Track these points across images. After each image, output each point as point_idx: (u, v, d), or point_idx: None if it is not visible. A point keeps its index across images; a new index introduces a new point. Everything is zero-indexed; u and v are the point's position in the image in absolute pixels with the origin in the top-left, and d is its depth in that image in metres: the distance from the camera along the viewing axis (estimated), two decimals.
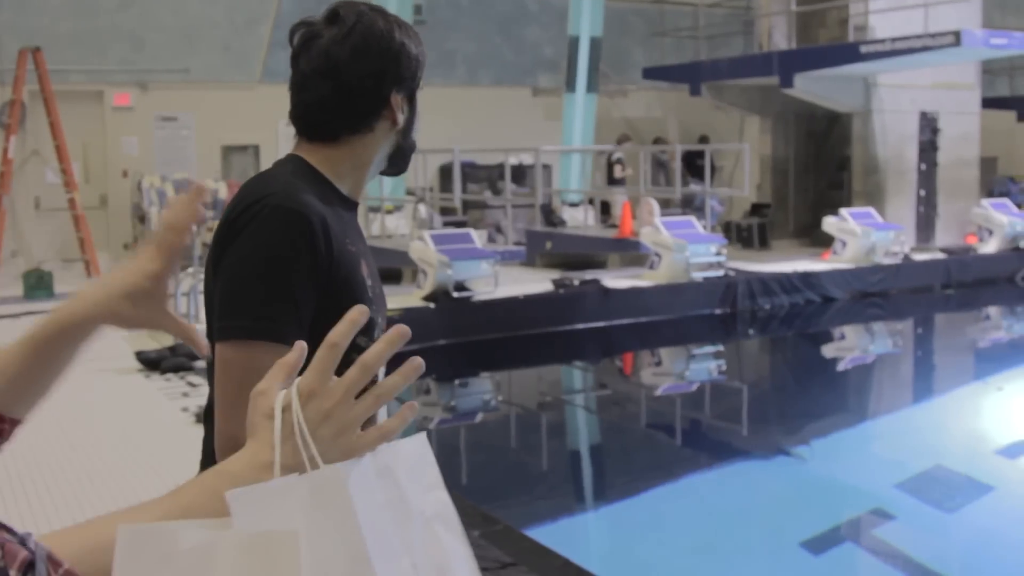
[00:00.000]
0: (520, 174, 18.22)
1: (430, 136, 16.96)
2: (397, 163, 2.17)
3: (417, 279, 12.27)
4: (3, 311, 13.09)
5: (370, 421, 1.13)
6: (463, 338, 11.49)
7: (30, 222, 17.25)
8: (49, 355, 1.41)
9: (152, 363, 9.45)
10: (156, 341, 9.96)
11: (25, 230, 17.13)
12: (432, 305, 11.61)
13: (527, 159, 18.18)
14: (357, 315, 1.14)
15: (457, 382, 11.06)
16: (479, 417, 10.06)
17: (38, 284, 14.35)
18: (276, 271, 1.93)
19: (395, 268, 13.45)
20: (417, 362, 1.13)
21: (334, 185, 2.09)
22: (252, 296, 1.92)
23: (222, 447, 1.93)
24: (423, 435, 1.22)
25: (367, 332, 2.01)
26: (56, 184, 16.84)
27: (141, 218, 17.13)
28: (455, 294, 11.82)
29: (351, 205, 2.13)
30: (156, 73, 18.01)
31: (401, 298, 11.68)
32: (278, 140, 18.03)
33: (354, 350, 1.96)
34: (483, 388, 11.31)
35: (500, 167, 16.86)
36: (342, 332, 1.13)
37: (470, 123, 19.13)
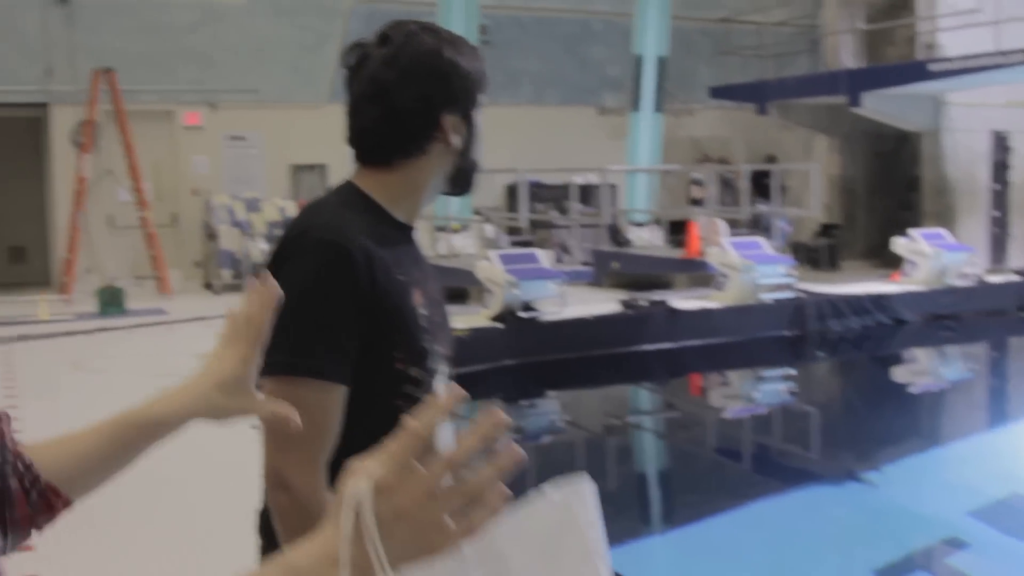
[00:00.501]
0: (586, 194, 18.21)
1: (496, 156, 17.00)
2: (460, 184, 2.12)
3: (484, 299, 12.28)
4: (78, 327, 13.29)
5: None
6: (530, 358, 11.48)
7: (104, 239, 17.50)
8: (127, 446, 1.38)
9: None
10: None
11: (99, 247, 17.38)
12: (499, 325, 11.61)
13: (593, 179, 18.17)
14: (446, 401, 1.02)
15: (524, 403, 11.05)
16: (545, 438, 10.04)
17: (111, 300, 14.57)
18: (315, 305, 1.91)
19: (461, 288, 13.48)
20: (518, 455, 0.99)
21: (387, 212, 2.05)
22: (291, 330, 1.87)
23: (266, 479, 1.94)
24: (565, 494, 1.05)
25: (420, 362, 1.99)
26: (129, 202, 17.11)
27: (210, 236, 17.34)
28: (522, 314, 11.82)
29: (406, 231, 2.09)
30: (226, 93, 18.23)
31: (468, 318, 11.69)
32: (346, 160, 18.13)
33: (406, 381, 1.97)
34: (550, 409, 11.28)
35: (566, 187, 16.86)
36: (427, 422, 1.01)
37: (536, 143, 19.16)
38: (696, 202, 17.99)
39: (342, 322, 1.92)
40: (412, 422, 1.00)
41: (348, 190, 2.09)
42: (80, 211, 16.74)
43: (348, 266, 1.91)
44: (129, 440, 1.37)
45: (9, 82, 16.92)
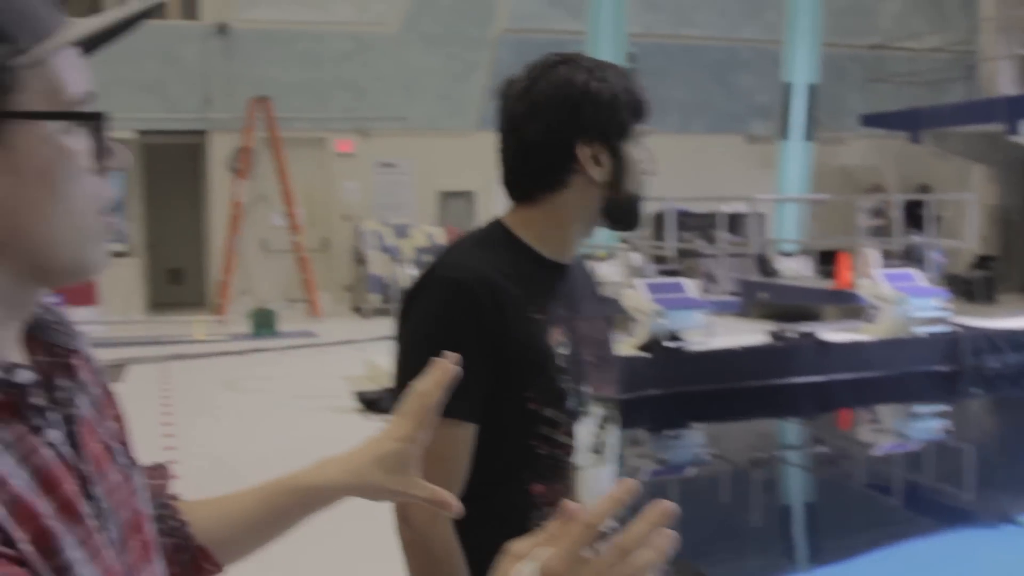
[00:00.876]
0: (734, 223, 18.03)
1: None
2: (620, 218, 2.05)
3: (630, 328, 12.24)
4: (232, 347, 13.65)
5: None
6: (675, 388, 11.39)
7: (257, 263, 17.97)
8: (281, 512, 1.35)
9: (371, 403, 9.66)
10: (375, 382, 10.19)
11: (252, 270, 17.86)
12: (645, 354, 11.55)
13: (741, 208, 17.99)
14: (620, 493, 1.00)
15: (669, 433, 10.96)
16: (690, 470, 9.94)
17: (264, 322, 14.94)
18: (438, 342, 1.82)
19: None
20: (672, 538, 0.98)
21: (532, 249, 2.01)
22: (415, 368, 1.76)
23: (395, 512, 1.95)
24: None
25: (555, 403, 1.95)
26: (282, 227, 17.55)
27: (360, 261, 17.66)
28: (668, 344, 11.74)
29: (554, 267, 2.03)
30: (376, 121, 18.58)
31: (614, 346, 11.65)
32: (494, 187, 18.32)
33: (541, 421, 1.95)
34: (695, 440, 11.17)
35: (713, 215, 16.72)
36: (601, 512, 0.99)
37: (683, 171, 19.02)
38: (871, 231, 17.56)
39: (470, 360, 1.91)
40: (588, 515, 0.97)
41: (492, 227, 2.08)
42: (235, 235, 17.22)
43: (470, 303, 1.91)
44: (284, 507, 1.35)
45: (171, 110, 17.54)
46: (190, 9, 18.46)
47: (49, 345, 1.04)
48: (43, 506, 0.93)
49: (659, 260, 15.78)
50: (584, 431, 2.00)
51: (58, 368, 1.04)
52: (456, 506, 1.30)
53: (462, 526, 1.99)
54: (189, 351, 13.21)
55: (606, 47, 15.76)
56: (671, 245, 14.81)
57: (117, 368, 11.61)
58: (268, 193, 17.78)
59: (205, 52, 17.81)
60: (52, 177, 0.96)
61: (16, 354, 1.00)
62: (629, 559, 0.96)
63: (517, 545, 0.99)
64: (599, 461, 2.05)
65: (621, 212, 2.05)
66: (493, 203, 18.75)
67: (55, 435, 0.99)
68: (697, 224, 18.30)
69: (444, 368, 1.28)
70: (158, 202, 18.75)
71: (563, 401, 1.95)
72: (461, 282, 1.92)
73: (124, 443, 1.15)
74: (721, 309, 13.13)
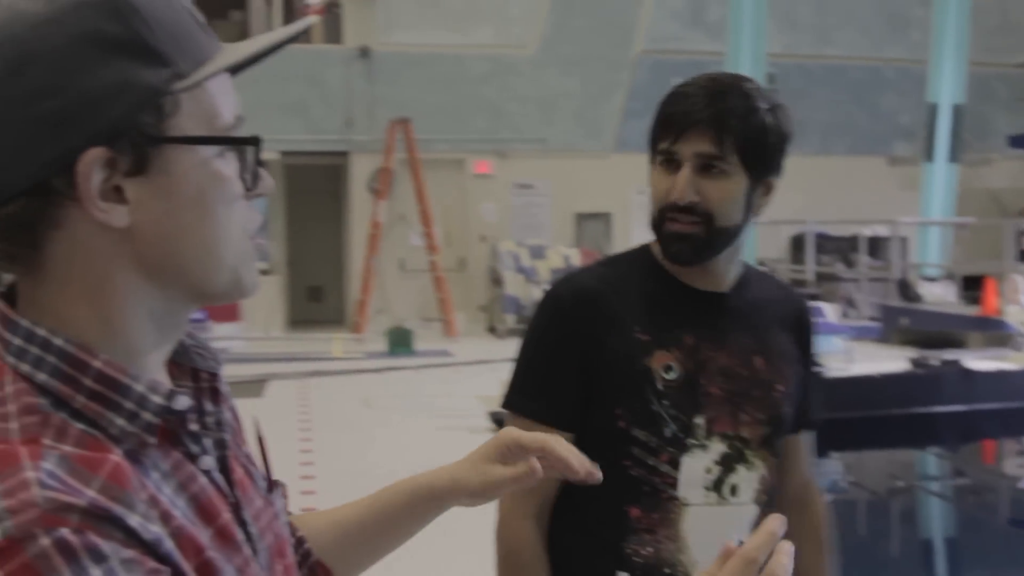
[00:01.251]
0: (874, 246, 17.67)
1: (781, 206, 16.77)
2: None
3: None
4: (369, 365, 13.86)
5: None
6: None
7: (395, 282, 18.23)
8: (393, 517, 1.35)
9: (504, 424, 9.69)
10: None
11: (390, 289, 18.11)
12: None
13: (882, 231, 17.63)
14: (774, 527, 1.03)
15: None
16: (828, 498, 9.75)
17: (400, 341, 15.13)
18: (533, 349, 2.03)
19: None
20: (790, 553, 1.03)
21: (669, 273, 2.03)
22: (515, 370, 2.04)
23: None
24: None
25: (648, 426, 1.94)
26: (419, 247, 17.77)
27: (496, 281, 17.77)
28: None
29: (696, 295, 2.02)
30: (514, 142, 18.71)
31: None
32: (630, 208, 18.30)
33: (633, 443, 1.94)
34: (832, 469, 10.95)
35: (853, 239, 16.42)
36: (759, 546, 1.02)
37: (822, 193, 18.77)
38: (1020, 256, 16.99)
39: (556, 367, 1.99)
40: (747, 549, 1.00)
41: (636, 250, 2.12)
42: (374, 254, 17.50)
43: (561, 313, 1.99)
44: (395, 510, 1.35)
45: (314, 132, 17.92)
46: (334, 33, 18.85)
47: (194, 371, 1.06)
48: (203, 536, 0.94)
49: (796, 283, 15.54)
50: (694, 464, 1.96)
51: (205, 393, 1.05)
52: (595, 473, 1.27)
53: (556, 536, 2.03)
54: (327, 368, 13.44)
55: (745, 67, 15.61)
56: (810, 268, 14.57)
57: (258, 384, 11.88)
58: (406, 213, 18.03)
59: (348, 75, 18.17)
60: (206, 201, 0.98)
61: (166, 379, 1.02)
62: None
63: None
64: (716, 500, 1.98)
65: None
66: (630, 225, 18.72)
67: (208, 461, 1.01)
68: (837, 247, 17.99)
69: (557, 447, 1.26)
70: (299, 221, 19.16)
71: (659, 426, 1.94)
72: (558, 294, 2.02)
73: (258, 465, 1.17)
74: (861, 335, 12.86)
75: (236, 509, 1.03)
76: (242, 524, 1.03)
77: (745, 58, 15.73)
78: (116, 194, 0.93)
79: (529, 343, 2.05)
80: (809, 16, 19.91)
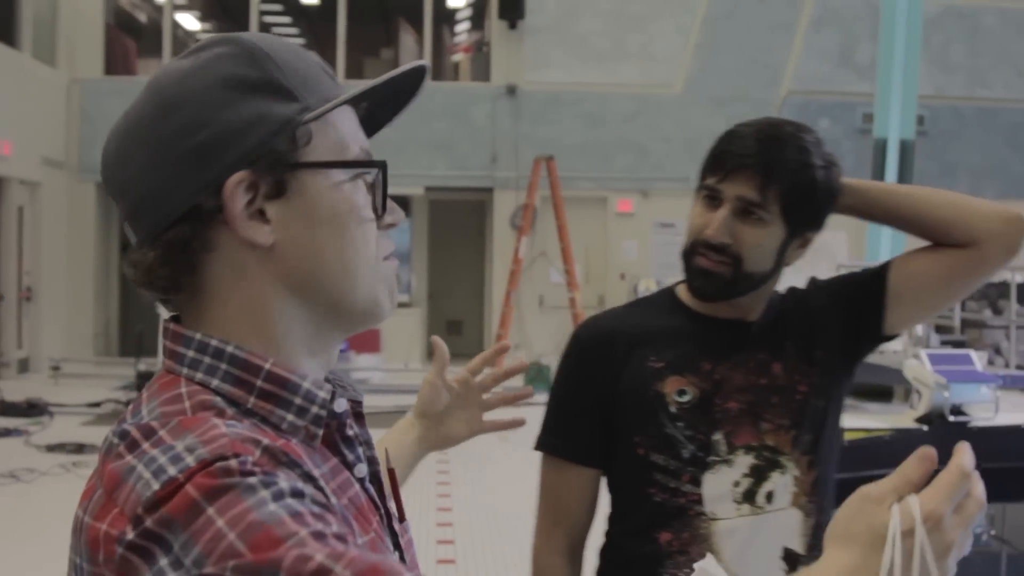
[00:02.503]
0: None
1: None
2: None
3: (911, 399, 11.83)
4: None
5: None
6: None
7: (533, 318, 18.34)
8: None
9: None
10: None
11: (528, 325, 18.23)
12: (925, 428, 11.15)
13: None
14: (925, 453, 1.04)
15: None
16: (969, 551, 9.50)
17: (537, 376, 15.20)
18: (556, 390, 2.14)
19: (886, 386, 13.05)
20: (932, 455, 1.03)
21: (690, 308, 2.08)
22: (546, 412, 2.14)
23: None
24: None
25: (665, 450, 1.97)
26: (559, 284, 17.84)
27: None
28: (951, 418, 11.29)
29: (717, 324, 2.06)
30: (657, 181, 18.71)
31: (893, 417, 11.32)
32: None
33: (653, 468, 1.98)
34: (976, 521, 10.66)
35: (1002, 284, 15.97)
36: (967, 461, 1.02)
37: None
38: None
39: (578, 406, 2.08)
40: (963, 463, 1.01)
41: (661, 291, 2.20)
42: (514, 290, 17.63)
43: (579, 353, 2.10)
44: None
45: (459, 168, 18.20)
46: (482, 71, 19.16)
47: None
48: (358, 535, 1.02)
49: (942, 330, 15.19)
50: (718, 480, 1.98)
51: (353, 417, 1.14)
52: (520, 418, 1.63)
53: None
54: None
55: (895, 109, 15.39)
56: (957, 314, 14.23)
57: (397, 415, 12.00)
58: (547, 250, 18.15)
59: (494, 112, 18.43)
60: (340, 222, 1.10)
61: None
62: (970, 495, 1.02)
63: (869, 489, 1.01)
64: (751, 511, 1.99)
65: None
66: None
67: (363, 469, 1.11)
68: (984, 293, 17.51)
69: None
70: (442, 255, 19.43)
71: (675, 448, 1.98)
72: (578, 336, 2.13)
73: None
74: (1008, 384, 12.51)
75: (387, 519, 1.13)
76: (393, 535, 1.13)
77: (895, 99, 15.49)
78: (260, 216, 1.06)
79: (556, 385, 2.15)
80: (962, 57, 19.52)
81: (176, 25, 19.57)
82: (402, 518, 1.24)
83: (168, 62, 1.12)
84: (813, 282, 2.21)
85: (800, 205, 1.95)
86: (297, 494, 0.91)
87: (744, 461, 1.99)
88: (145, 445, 0.96)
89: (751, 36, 18.93)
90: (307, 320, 1.10)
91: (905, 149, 15.48)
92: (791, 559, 1.95)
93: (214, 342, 1.05)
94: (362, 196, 1.12)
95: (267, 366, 1.05)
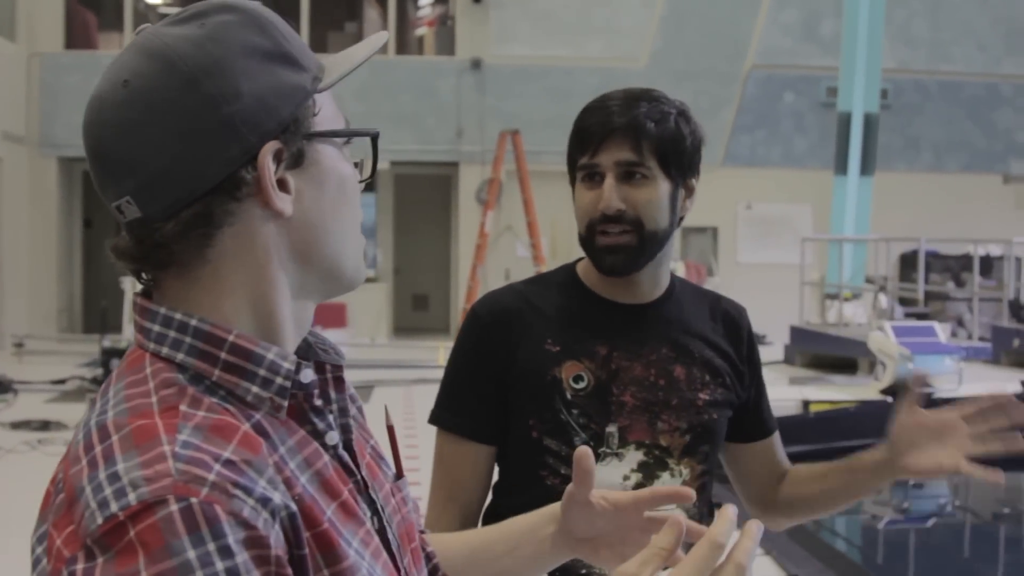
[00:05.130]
0: (987, 265, 17.34)
1: (891, 223, 16.60)
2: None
3: (875, 371, 11.95)
4: None
5: None
6: None
7: None
8: (518, 546, 1.42)
9: None
10: None
11: None
12: (890, 399, 11.26)
13: (995, 250, 17.29)
14: (731, 513, 1.01)
15: (911, 482, 10.63)
16: (932, 521, 9.62)
17: None
18: (451, 365, 2.09)
19: (851, 358, 13.16)
20: (755, 528, 0.99)
21: (589, 289, 2.07)
22: (441, 387, 2.09)
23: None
24: None
25: (559, 435, 1.96)
26: (526, 257, 17.88)
27: None
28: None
29: (614, 307, 2.04)
30: None
31: (857, 389, 11.41)
32: (737, 223, 18.22)
33: (546, 452, 1.98)
34: (939, 491, 10.79)
35: (964, 257, 16.15)
36: (723, 531, 1.00)
37: (933, 211, 18.49)
38: None
39: (475, 383, 2.04)
40: (715, 535, 0.99)
41: (560, 269, 2.18)
42: (480, 264, 17.65)
43: (478, 329, 2.05)
44: (521, 536, 1.42)
45: (425, 142, 18.16)
46: (447, 45, 19.09)
47: (319, 364, 1.14)
48: (325, 509, 1.03)
49: (905, 302, 15.34)
50: (608, 472, 1.96)
51: (329, 383, 1.14)
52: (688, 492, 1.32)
53: None
54: (431, 376, 13.57)
55: (859, 82, 15.47)
56: (921, 287, 14.37)
57: (365, 389, 12.06)
58: (513, 224, 18.17)
59: (459, 86, 18.39)
60: (345, 190, 1.13)
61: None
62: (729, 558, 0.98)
63: (626, 567, 1.01)
64: None
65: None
66: (736, 239, 18.64)
67: (334, 436, 1.11)
68: (947, 266, 17.69)
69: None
70: (407, 230, 19.41)
71: (568, 435, 1.96)
72: (476, 313, 2.07)
73: (384, 457, 1.25)
74: (970, 355, 12.65)
75: (363, 486, 1.12)
76: (370, 501, 1.12)
77: (859, 73, 15.56)
78: (282, 186, 1.06)
79: (452, 361, 2.10)
80: (925, 31, 19.63)
81: None
82: (399, 475, 1.24)
83: (161, 27, 1.08)
84: (748, 323, 2.20)
85: (673, 153, 1.99)
86: (231, 573, 0.90)
87: (634, 457, 1.99)
88: (97, 451, 0.96)
89: (716, 10, 18.95)
90: (299, 286, 1.10)
91: (869, 122, 15.57)
92: None
93: (178, 315, 1.05)
94: (350, 166, 1.15)
95: (231, 338, 1.04)
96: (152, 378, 1.02)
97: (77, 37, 18.69)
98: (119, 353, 10.90)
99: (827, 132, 17.33)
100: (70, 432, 9.81)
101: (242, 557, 0.91)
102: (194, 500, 0.91)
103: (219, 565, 0.89)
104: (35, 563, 0.97)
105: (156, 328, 1.05)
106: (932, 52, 19.67)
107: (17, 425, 10.06)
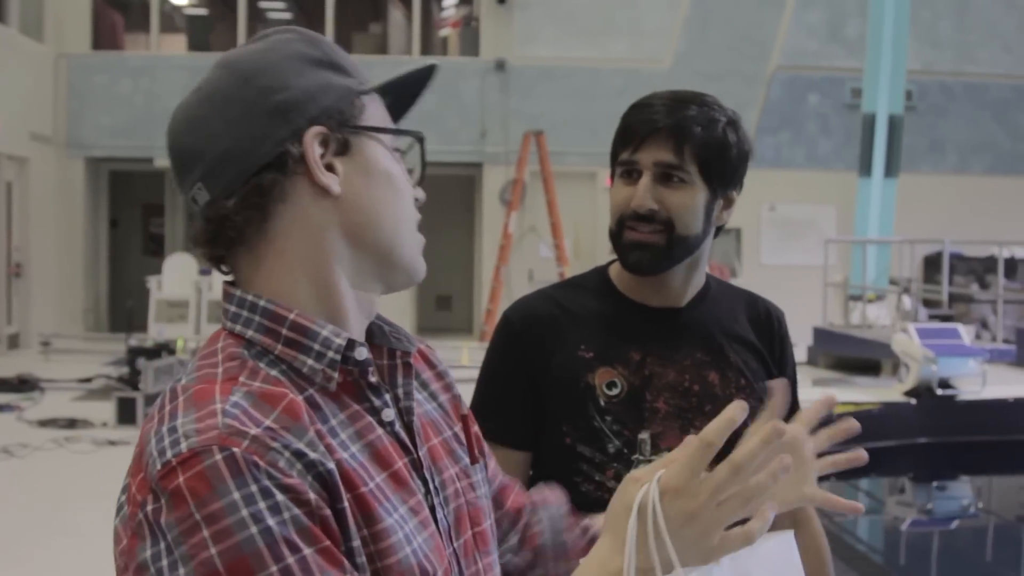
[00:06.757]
0: (1012, 267, 17.26)
1: (915, 225, 16.54)
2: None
3: (899, 373, 11.91)
4: None
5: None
6: (944, 438, 10.99)
7: (523, 292, 18.16)
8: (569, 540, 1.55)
9: None
10: None
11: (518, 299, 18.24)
12: (913, 401, 11.23)
13: (1020, 252, 17.21)
14: (733, 413, 1.09)
15: (935, 484, 10.61)
16: (955, 523, 9.59)
17: None
18: (485, 371, 2.09)
19: (874, 360, 13.13)
20: (786, 461, 1.05)
21: (621, 293, 2.06)
22: (475, 392, 2.07)
23: None
24: (790, 535, 1.14)
25: (592, 442, 1.97)
26: (549, 258, 17.89)
27: None
28: (939, 391, 11.36)
29: (648, 312, 2.04)
30: None
31: (881, 391, 11.38)
32: (760, 224, 18.18)
33: (580, 459, 1.97)
34: (962, 493, 10.77)
35: (989, 259, 16.06)
36: (716, 430, 1.08)
37: (958, 213, 18.41)
38: None
39: (508, 389, 2.04)
40: (705, 432, 1.07)
41: (591, 272, 2.17)
42: (503, 265, 17.67)
43: (511, 336, 2.06)
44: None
45: (448, 142, 18.18)
46: (471, 46, 19.12)
47: (390, 351, 1.29)
48: (373, 477, 1.14)
49: (929, 304, 15.27)
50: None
51: (398, 368, 1.28)
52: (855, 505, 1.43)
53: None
54: (456, 375, 13.57)
55: (884, 85, 15.41)
56: (945, 289, 14.31)
57: None
58: (537, 225, 18.18)
59: (483, 87, 18.43)
60: (394, 181, 1.26)
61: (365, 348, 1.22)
62: (742, 477, 1.06)
63: (638, 471, 1.10)
64: None
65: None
66: (760, 240, 18.60)
67: (390, 414, 1.21)
68: (972, 268, 17.60)
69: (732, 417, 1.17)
70: (430, 230, 19.22)
71: (602, 442, 1.96)
72: (508, 317, 2.09)
73: (464, 444, 1.36)
74: (996, 358, 12.58)
75: (418, 464, 1.22)
76: (423, 479, 1.22)
77: (884, 74, 15.51)
78: (330, 170, 1.21)
79: (485, 366, 2.10)
80: (951, 33, 19.55)
81: (163, 0, 19.46)
82: (473, 460, 1.36)
83: (235, 49, 1.27)
84: (783, 326, 2.19)
85: (715, 162, 1.97)
86: (274, 510, 1.03)
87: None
88: (166, 410, 1.10)
89: (740, 11, 18.92)
90: (355, 271, 1.24)
91: (894, 124, 15.51)
92: None
93: (250, 296, 1.20)
94: (401, 167, 1.28)
95: (291, 316, 1.18)
96: (221, 351, 1.17)
97: (104, 38, 18.79)
98: (145, 352, 10.98)
99: (851, 134, 17.27)
100: (96, 430, 9.92)
101: (282, 497, 1.04)
102: (236, 450, 1.04)
103: (262, 504, 1.02)
104: (118, 509, 1.11)
105: (232, 308, 1.21)
106: (957, 54, 19.58)
107: (44, 423, 10.16)
